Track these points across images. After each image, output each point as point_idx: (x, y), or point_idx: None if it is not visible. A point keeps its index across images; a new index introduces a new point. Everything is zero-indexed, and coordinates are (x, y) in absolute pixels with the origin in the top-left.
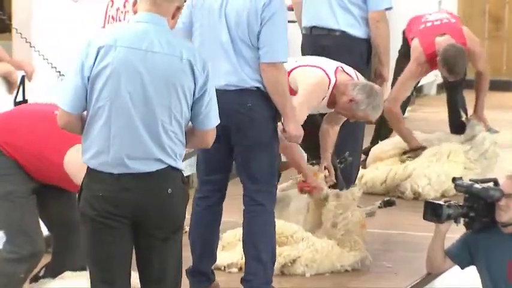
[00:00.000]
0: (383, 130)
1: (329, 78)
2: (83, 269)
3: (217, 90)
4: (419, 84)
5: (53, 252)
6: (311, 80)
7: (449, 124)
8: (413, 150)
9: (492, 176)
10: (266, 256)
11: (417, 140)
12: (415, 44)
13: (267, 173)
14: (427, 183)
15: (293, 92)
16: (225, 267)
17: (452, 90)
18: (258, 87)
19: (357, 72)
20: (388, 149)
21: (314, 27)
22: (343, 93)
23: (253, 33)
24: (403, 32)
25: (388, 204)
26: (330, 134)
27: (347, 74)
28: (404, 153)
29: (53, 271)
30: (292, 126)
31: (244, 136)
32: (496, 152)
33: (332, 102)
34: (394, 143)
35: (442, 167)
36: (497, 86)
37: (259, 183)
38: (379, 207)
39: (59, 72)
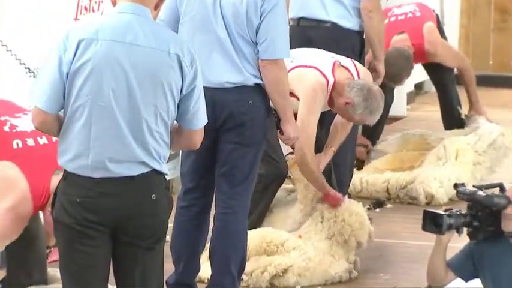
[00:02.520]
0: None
1: (326, 79)
2: (43, 282)
3: (214, 88)
4: (419, 81)
5: (8, 268)
6: (307, 85)
7: (444, 123)
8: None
9: (501, 170)
10: (235, 268)
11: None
12: None
13: (248, 173)
14: (439, 186)
15: (291, 95)
16: (208, 279)
17: (444, 87)
18: (257, 84)
19: (355, 62)
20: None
21: (302, 18)
22: (340, 94)
23: (251, 27)
24: None
25: (378, 205)
26: (338, 130)
27: (344, 68)
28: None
29: (10, 286)
30: (291, 128)
31: (240, 134)
32: (504, 142)
33: (331, 102)
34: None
35: (451, 169)
36: (503, 82)
37: (237, 184)
38: (368, 208)
39: (28, 68)
